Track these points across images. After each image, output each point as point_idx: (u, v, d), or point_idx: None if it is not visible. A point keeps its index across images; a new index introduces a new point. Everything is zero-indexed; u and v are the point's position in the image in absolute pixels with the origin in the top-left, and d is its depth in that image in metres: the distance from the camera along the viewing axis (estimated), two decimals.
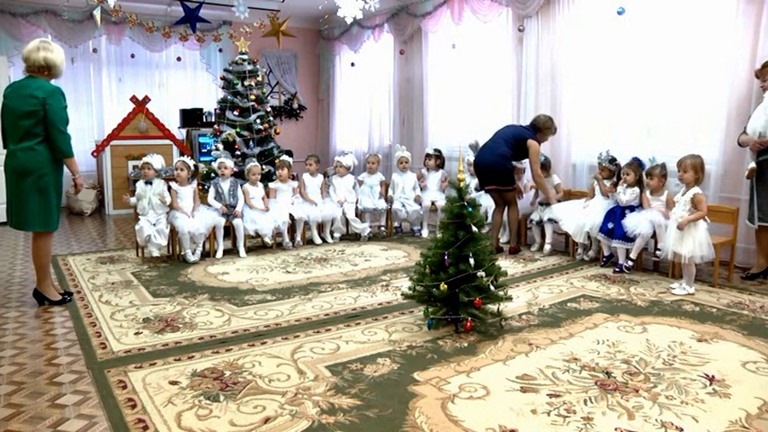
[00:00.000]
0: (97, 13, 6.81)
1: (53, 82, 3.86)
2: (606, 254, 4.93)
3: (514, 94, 6.74)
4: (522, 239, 5.79)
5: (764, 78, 4.35)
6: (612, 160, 5.13)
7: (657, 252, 4.48)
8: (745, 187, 4.61)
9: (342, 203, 6.08)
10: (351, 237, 6.28)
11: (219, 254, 5.40)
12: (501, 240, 5.77)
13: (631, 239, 4.63)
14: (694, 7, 5.14)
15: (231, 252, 5.51)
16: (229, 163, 5.63)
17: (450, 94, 7.83)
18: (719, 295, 4.12)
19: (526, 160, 5.60)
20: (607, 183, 5.10)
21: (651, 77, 5.43)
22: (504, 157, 5.39)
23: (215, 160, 5.91)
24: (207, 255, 5.38)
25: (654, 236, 4.61)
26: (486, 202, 6.00)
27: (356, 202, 6.25)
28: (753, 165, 4.38)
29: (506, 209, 5.61)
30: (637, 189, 4.76)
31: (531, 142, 5.37)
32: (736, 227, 4.53)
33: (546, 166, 5.61)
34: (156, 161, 5.25)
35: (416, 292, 3.52)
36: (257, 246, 5.79)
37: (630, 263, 4.67)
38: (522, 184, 5.85)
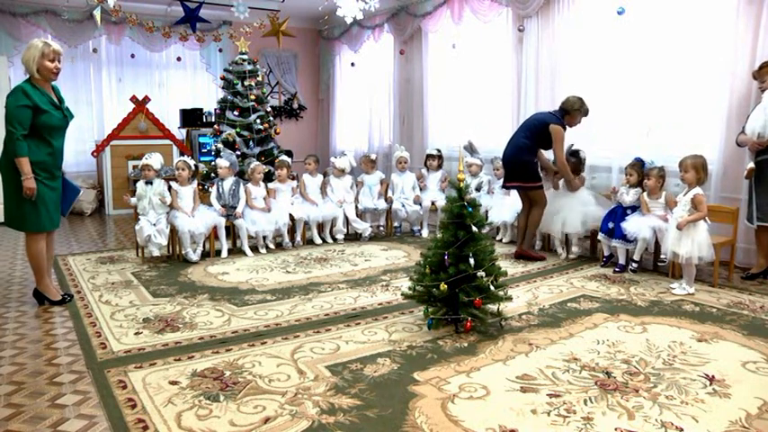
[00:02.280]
0: (97, 13, 6.82)
1: (59, 83, 3.86)
2: (606, 254, 4.93)
3: (514, 93, 6.74)
4: (545, 245, 5.49)
5: (762, 79, 4.36)
6: (575, 153, 5.25)
7: (662, 257, 4.50)
8: (746, 187, 4.61)
9: (342, 204, 6.08)
10: (351, 237, 6.28)
11: (224, 253, 5.40)
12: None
13: (631, 240, 4.64)
14: (694, 7, 5.14)
15: (231, 252, 5.51)
16: (223, 163, 5.61)
17: (450, 94, 7.82)
18: (719, 295, 4.12)
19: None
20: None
21: (651, 77, 5.43)
22: (520, 149, 5.05)
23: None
24: (207, 255, 5.38)
25: (656, 241, 4.60)
26: (486, 202, 6.02)
27: (355, 201, 6.25)
28: (752, 165, 4.38)
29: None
30: (639, 189, 4.76)
31: (554, 127, 4.96)
32: (737, 227, 4.53)
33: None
34: (155, 161, 5.24)
35: (416, 292, 3.52)
36: (257, 246, 5.78)
37: (635, 265, 4.67)
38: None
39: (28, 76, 3.76)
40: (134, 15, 7.62)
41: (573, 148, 5.19)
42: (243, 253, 5.45)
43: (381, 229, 6.50)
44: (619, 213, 4.79)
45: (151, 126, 8.35)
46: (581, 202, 5.18)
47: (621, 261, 4.77)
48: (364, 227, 6.15)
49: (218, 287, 4.41)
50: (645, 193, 4.68)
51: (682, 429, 2.30)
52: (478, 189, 6.19)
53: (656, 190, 4.62)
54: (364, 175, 6.43)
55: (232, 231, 5.62)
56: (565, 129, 5.06)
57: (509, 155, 5.16)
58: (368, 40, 9.02)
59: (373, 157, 6.65)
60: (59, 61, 3.78)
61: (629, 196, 4.78)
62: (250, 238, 5.64)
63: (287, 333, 3.41)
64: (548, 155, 5.36)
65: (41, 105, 3.68)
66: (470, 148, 6.32)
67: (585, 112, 5.15)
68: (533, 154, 5.10)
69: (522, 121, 5.38)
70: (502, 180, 6.07)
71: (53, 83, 3.88)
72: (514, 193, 5.89)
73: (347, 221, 6.18)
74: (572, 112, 5.07)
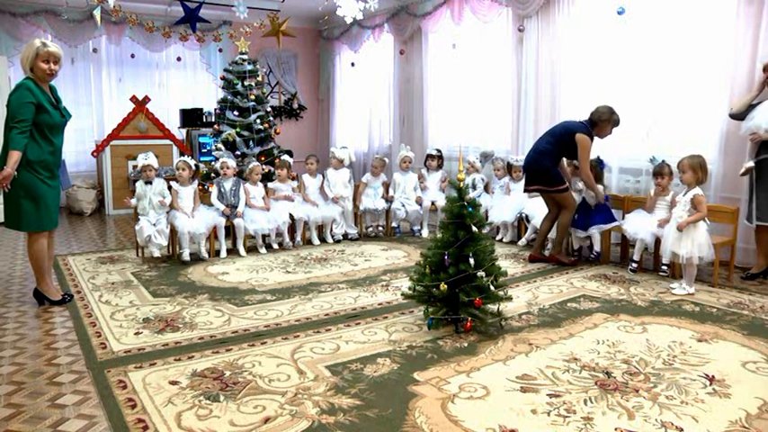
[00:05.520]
0: (97, 13, 6.82)
1: (58, 82, 3.87)
2: (576, 247, 5.07)
3: (514, 93, 6.74)
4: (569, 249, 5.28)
5: None
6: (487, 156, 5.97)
7: (663, 268, 4.52)
8: (746, 186, 4.61)
9: (338, 200, 6.07)
10: (351, 236, 6.27)
11: (223, 253, 5.39)
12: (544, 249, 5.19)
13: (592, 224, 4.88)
14: (694, 8, 5.14)
15: (231, 252, 5.51)
16: (231, 162, 5.62)
17: (450, 93, 7.82)
18: (719, 295, 4.12)
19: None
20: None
21: (651, 77, 5.43)
22: (541, 154, 4.92)
23: (215, 160, 5.91)
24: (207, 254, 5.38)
25: (657, 245, 4.59)
26: (486, 202, 6.02)
27: (356, 201, 6.24)
28: (751, 164, 4.38)
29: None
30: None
31: (580, 136, 4.79)
32: (736, 227, 4.52)
33: None
34: (154, 160, 5.24)
35: (416, 292, 3.52)
36: (256, 245, 5.78)
37: (635, 265, 4.67)
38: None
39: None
40: (134, 15, 7.63)
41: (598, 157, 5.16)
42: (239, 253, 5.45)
43: (381, 229, 6.49)
44: (583, 206, 5.00)
45: (151, 126, 8.35)
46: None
47: (597, 248, 4.90)
48: (353, 232, 6.20)
49: (218, 287, 4.41)
50: (653, 191, 4.69)
51: (682, 429, 2.30)
52: (474, 187, 6.18)
53: (666, 188, 4.63)
54: (369, 177, 6.41)
55: (232, 231, 5.62)
56: (592, 139, 4.88)
57: (529, 159, 5.06)
58: (368, 40, 9.01)
59: (386, 161, 6.59)
60: (55, 63, 3.73)
61: (580, 185, 5.03)
62: (250, 237, 5.64)
63: (287, 333, 3.41)
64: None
65: (44, 103, 3.69)
66: (486, 156, 6.46)
67: (616, 123, 4.92)
68: (554, 160, 4.93)
69: (550, 128, 5.21)
70: (503, 180, 6.12)
71: (51, 82, 3.89)
72: (515, 192, 5.91)
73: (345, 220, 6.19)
74: (600, 123, 4.87)
